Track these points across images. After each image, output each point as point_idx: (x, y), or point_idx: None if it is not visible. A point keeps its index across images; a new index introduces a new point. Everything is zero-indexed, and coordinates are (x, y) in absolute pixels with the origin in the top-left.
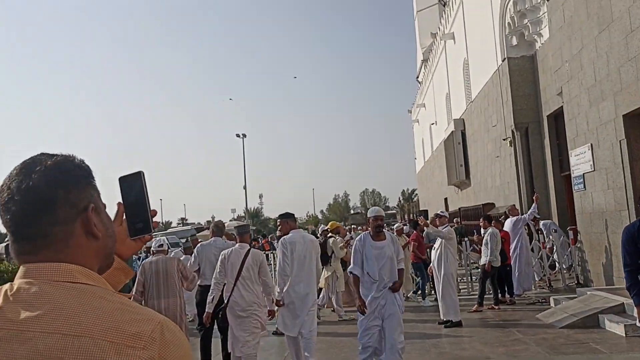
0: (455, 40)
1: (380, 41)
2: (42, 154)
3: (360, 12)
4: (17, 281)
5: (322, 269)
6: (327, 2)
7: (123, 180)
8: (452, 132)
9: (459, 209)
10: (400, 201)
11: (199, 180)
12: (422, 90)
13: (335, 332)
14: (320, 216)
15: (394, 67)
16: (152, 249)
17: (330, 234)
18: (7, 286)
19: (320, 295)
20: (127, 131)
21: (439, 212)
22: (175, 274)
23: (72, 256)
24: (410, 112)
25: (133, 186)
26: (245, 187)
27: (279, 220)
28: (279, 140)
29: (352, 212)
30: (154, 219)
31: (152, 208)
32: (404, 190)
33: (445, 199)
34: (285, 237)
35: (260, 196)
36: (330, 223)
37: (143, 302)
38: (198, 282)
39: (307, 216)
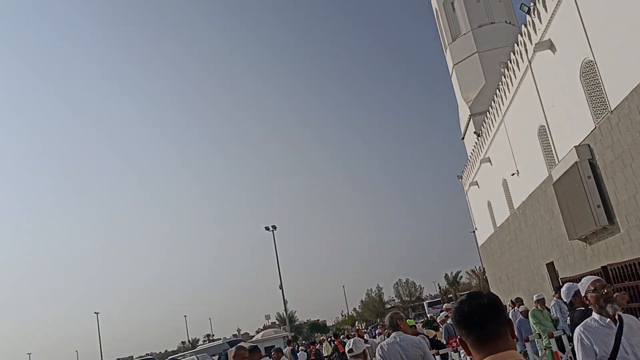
0: (556, 47)
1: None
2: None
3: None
4: None
5: None
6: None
7: None
8: (576, 163)
9: (604, 267)
10: (440, 288)
11: (224, 290)
12: (480, 145)
13: None
14: (354, 315)
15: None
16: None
17: None
18: None
19: None
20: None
21: None
22: None
23: (509, 346)
24: (461, 178)
25: None
26: (281, 287)
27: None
28: (303, 233)
29: (387, 306)
30: None
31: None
32: (447, 274)
33: (551, 265)
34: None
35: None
36: None
37: None
38: None
39: (342, 316)
